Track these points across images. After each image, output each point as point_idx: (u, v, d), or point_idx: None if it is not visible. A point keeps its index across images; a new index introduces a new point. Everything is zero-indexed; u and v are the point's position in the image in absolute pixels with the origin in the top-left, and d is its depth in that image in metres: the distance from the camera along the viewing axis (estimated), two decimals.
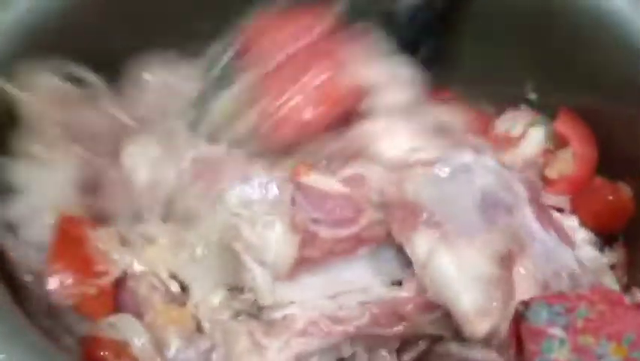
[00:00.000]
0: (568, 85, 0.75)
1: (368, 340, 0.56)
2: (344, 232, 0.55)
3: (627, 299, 0.64)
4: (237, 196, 0.55)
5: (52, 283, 0.55)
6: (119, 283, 0.58)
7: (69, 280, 0.55)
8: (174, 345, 0.54)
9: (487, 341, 0.57)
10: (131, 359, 0.53)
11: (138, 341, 0.54)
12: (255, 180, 0.55)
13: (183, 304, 0.58)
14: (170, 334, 0.55)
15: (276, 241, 0.53)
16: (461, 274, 0.54)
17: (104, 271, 0.57)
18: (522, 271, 0.58)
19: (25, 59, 0.62)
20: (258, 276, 0.54)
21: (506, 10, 0.75)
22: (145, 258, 0.58)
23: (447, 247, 0.54)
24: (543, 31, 0.74)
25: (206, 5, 0.76)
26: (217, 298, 0.57)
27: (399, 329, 0.55)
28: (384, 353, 0.57)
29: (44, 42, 0.64)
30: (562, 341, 0.60)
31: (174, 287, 0.58)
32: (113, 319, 0.56)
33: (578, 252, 0.64)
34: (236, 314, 0.56)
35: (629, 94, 0.69)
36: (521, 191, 0.62)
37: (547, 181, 0.74)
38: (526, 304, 0.65)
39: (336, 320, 0.54)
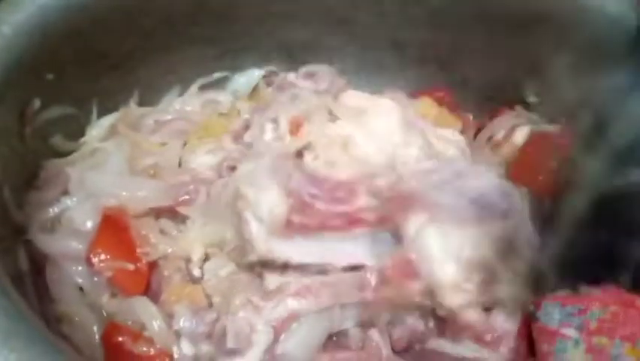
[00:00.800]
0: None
1: (359, 310, 0.58)
2: (338, 208, 0.59)
3: None
4: (247, 170, 0.62)
5: (95, 258, 0.60)
6: (153, 266, 0.62)
7: (109, 256, 0.60)
8: (181, 316, 0.57)
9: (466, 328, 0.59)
10: (148, 342, 0.56)
11: (154, 323, 0.57)
12: (264, 160, 0.61)
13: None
14: (180, 308, 0.57)
15: (270, 200, 0.57)
16: (445, 250, 0.57)
17: (144, 253, 0.61)
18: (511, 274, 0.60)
19: (36, 58, 0.63)
20: (254, 228, 0.58)
21: (510, 12, 0.75)
22: (180, 244, 0.62)
23: (436, 227, 0.57)
24: (547, 35, 0.73)
25: (207, 10, 0.76)
26: (225, 271, 0.61)
27: (386, 292, 0.57)
28: (375, 332, 0.59)
29: (54, 41, 0.65)
30: (576, 342, 0.59)
31: (197, 272, 0.61)
32: (131, 301, 0.59)
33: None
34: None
35: None
36: (521, 203, 0.63)
37: None
38: (537, 304, 0.64)
39: (325, 284, 0.57)
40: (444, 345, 0.60)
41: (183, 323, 0.56)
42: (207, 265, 0.61)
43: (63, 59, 0.66)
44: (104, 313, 0.60)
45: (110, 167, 0.68)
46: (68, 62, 0.67)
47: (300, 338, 0.55)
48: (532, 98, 0.80)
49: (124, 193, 0.64)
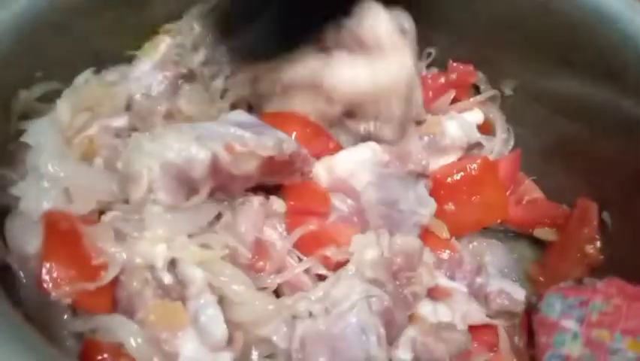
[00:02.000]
0: None
1: None
2: None
3: None
4: None
5: (49, 282, 0.52)
6: (115, 278, 0.56)
7: (66, 278, 0.52)
8: (185, 350, 0.53)
9: None
10: (130, 359, 0.53)
11: (134, 341, 0.53)
12: None
13: (177, 298, 0.55)
14: (173, 336, 0.53)
15: None
16: None
17: (102, 265, 0.54)
18: None
19: (24, 56, 0.61)
20: None
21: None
22: (140, 250, 0.56)
23: None
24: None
25: None
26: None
27: None
28: None
29: (42, 39, 0.63)
30: (575, 335, 0.59)
31: (167, 279, 0.55)
32: (105, 320, 0.54)
33: None
34: None
35: None
36: None
37: None
38: (539, 296, 0.64)
39: None
40: None
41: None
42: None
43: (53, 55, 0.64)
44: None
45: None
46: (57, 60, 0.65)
47: None
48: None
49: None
